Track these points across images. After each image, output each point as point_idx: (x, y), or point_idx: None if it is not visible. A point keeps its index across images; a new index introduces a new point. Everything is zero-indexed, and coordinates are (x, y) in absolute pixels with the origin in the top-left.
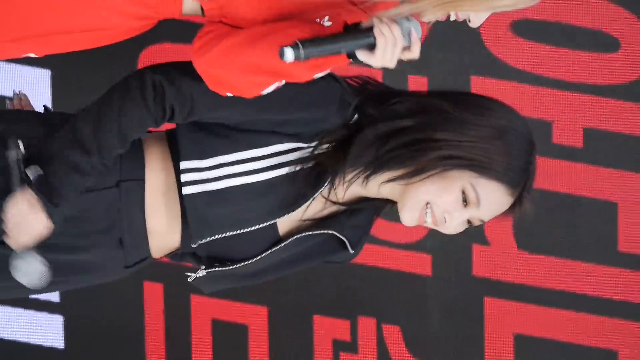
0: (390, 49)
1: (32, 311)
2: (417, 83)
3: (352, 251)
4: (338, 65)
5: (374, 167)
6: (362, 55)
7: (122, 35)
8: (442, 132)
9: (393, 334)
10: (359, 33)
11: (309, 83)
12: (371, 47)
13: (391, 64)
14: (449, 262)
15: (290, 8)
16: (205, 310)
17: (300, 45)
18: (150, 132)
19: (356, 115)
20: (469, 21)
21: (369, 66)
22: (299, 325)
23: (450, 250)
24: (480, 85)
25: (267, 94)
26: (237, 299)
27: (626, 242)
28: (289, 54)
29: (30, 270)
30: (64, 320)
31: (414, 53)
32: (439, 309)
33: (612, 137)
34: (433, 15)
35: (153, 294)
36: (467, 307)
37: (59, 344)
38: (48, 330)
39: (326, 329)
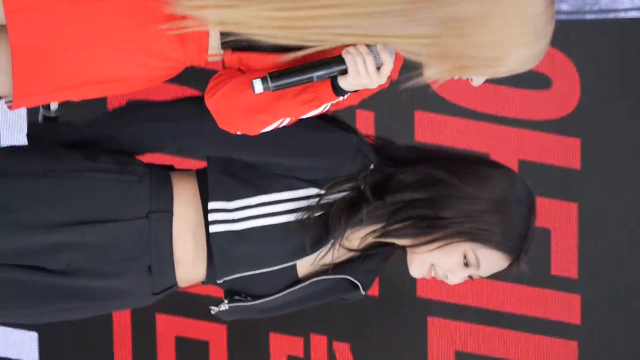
0: (360, 63)
1: (10, 328)
2: (364, 117)
3: (364, 293)
4: (327, 101)
5: (382, 234)
6: (341, 81)
7: (152, 81)
8: (447, 210)
9: (343, 350)
10: (329, 60)
11: (327, 131)
12: (344, 72)
13: (371, 80)
14: (396, 284)
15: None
16: (169, 328)
17: (268, 77)
18: (178, 170)
19: (371, 166)
20: (471, 81)
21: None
22: (256, 342)
23: (397, 273)
24: (423, 119)
25: (287, 140)
26: (199, 317)
27: (559, 266)
28: (258, 85)
29: None
30: (39, 337)
31: (387, 67)
32: (386, 327)
33: (545, 169)
34: (439, 76)
35: (121, 312)
36: (412, 325)
37: (34, 358)
38: (24, 345)
39: (281, 346)
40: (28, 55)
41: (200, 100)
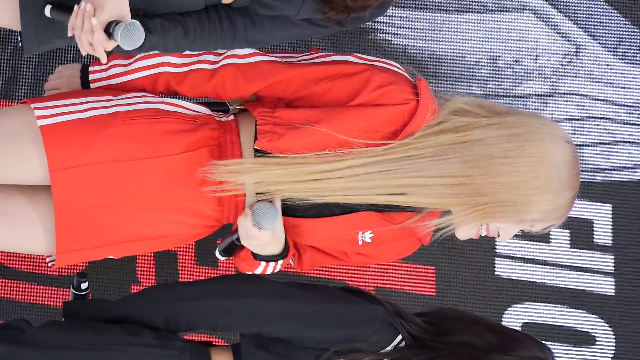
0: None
1: None
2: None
3: None
4: (255, 265)
5: None
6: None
7: (190, 239)
8: None
9: None
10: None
11: (353, 304)
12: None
13: (249, 243)
14: None
15: None
16: None
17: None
18: (215, 345)
19: (399, 338)
20: (498, 236)
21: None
22: None
23: None
24: None
25: (315, 315)
26: None
27: None
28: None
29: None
30: None
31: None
32: None
33: (401, 295)
34: (467, 231)
35: None
36: None
37: None
38: None
39: None
40: (70, 213)
41: (230, 279)
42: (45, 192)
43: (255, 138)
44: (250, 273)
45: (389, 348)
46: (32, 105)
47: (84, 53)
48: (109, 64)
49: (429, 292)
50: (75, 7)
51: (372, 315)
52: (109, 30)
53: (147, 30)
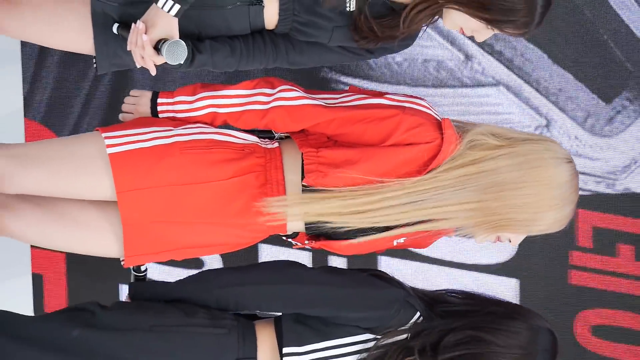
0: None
1: None
2: None
3: None
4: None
5: None
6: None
7: (240, 246)
8: (490, 335)
9: None
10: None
11: (377, 288)
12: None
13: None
14: None
15: None
16: None
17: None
18: (260, 318)
19: (417, 315)
20: (509, 241)
21: None
22: None
23: None
24: None
25: (346, 299)
26: None
27: None
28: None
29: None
30: None
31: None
32: None
33: None
34: (484, 238)
35: None
36: None
37: None
38: None
39: None
40: (135, 225)
41: (272, 266)
42: (115, 205)
43: (302, 170)
44: (289, 260)
45: (409, 324)
46: (103, 135)
47: (137, 66)
48: (175, 99)
49: None
50: (133, 24)
51: (394, 297)
52: (158, 46)
53: (197, 51)
